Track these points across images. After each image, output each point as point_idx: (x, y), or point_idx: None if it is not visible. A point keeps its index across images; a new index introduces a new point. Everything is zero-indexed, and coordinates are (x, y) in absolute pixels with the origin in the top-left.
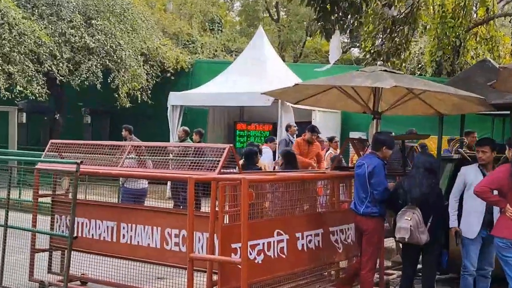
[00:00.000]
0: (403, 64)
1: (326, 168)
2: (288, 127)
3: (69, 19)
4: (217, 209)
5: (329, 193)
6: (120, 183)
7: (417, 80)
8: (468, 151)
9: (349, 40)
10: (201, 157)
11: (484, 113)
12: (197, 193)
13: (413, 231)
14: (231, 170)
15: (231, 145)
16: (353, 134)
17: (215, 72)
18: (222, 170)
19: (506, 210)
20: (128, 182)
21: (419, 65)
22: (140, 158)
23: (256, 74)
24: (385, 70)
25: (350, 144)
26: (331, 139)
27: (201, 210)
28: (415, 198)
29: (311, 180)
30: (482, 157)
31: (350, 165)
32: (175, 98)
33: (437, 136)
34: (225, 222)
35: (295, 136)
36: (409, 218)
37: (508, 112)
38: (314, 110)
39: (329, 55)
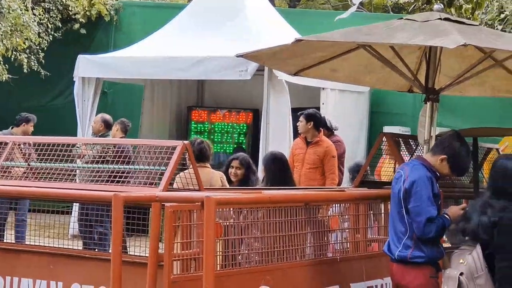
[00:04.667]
0: (477, 12)
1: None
2: None
3: None
4: (161, 250)
5: (349, 226)
6: None
7: (500, 36)
8: None
9: None
10: (132, 162)
11: None
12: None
13: (463, 284)
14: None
15: (186, 141)
16: (390, 129)
17: (155, 23)
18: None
19: None
20: None
21: (503, 15)
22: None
23: (225, 26)
24: (447, 19)
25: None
26: None
27: (130, 254)
28: (472, 230)
29: (319, 204)
30: None
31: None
32: (88, 66)
33: None
34: (174, 273)
35: None
36: (464, 262)
37: None
38: (324, 89)
39: None
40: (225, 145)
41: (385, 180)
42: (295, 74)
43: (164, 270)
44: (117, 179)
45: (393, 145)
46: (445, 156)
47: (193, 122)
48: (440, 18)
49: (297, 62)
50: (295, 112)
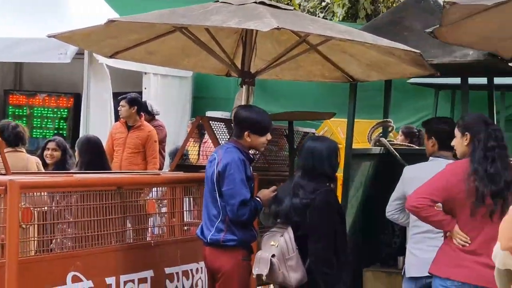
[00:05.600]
0: (298, 0)
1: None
2: None
3: None
4: None
5: (166, 210)
6: None
7: (314, 21)
8: (394, 141)
9: None
10: None
11: (421, 83)
12: None
13: (275, 265)
14: None
15: None
16: (213, 114)
17: None
18: None
19: (454, 235)
20: None
21: (323, 3)
22: None
23: (43, 6)
24: (262, 3)
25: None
26: None
27: None
28: (284, 213)
29: (135, 188)
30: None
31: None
32: None
33: (346, 119)
34: None
35: None
36: (275, 244)
37: (459, 79)
38: (146, 73)
39: None
40: (45, 131)
41: (200, 164)
42: (111, 56)
43: None
44: None
45: (210, 131)
46: (247, 130)
47: (10, 107)
48: (256, 2)
49: (113, 44)
50: (117, 97)
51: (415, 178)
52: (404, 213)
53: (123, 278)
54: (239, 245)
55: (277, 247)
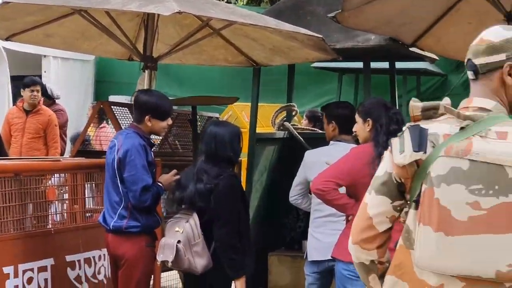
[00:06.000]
0: None
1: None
2: None
3: None
4: None
5: (67, 197)
6: None
7: (216, 5)
8: (297, 126)
9: None
10: None
11: (324, 67)
12: None
13: (181, 251)
14: None
15: None
16: (116, 98)
17: None
18: None
19: None
20: None
21: None
22: None
23: None
24: None
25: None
26: None
27: None
28: (189, 198)
29: (35, 174)
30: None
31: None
32: None
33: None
34: None
35: None
36: (180, 231)
37: (361, 64)
38: (46, 56)
39: None
40: None
41: (102, 150)
42: (7, 39)
43: None
44: None
45: (112, 115)
46: (147, 114)
47: None
48: None
49: (8, 26)
50: (15, 80)
51: (316, 162)
52: (307, 198)
53: (21, 267)
54: (142, 231)
55: (182, 233)
